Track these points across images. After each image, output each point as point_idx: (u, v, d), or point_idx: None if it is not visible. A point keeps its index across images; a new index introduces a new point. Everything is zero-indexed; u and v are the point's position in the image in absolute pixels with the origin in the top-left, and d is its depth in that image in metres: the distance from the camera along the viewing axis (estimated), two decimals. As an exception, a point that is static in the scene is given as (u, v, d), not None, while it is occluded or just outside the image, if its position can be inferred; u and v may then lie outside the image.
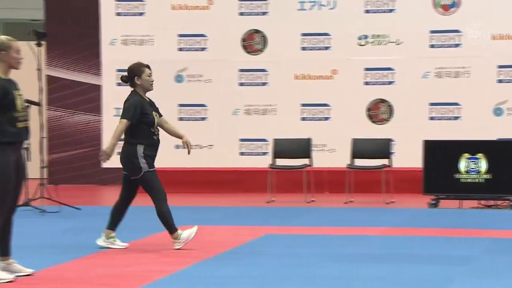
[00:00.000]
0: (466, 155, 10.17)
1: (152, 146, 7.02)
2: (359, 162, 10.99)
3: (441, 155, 10.33)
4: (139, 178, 6.97)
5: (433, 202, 10.14)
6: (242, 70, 12.47)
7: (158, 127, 7.12)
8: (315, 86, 12.31)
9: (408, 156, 11.52)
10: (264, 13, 12.43)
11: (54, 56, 12.98)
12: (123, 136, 7.02)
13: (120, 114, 7.05)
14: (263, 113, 12.47)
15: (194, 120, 12.58)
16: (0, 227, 5.74)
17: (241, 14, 12.47)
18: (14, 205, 5.86)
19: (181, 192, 11.72)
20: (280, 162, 11.13)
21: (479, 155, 10.10)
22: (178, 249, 7.00)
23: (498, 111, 11.90)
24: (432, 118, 12.06)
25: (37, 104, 9.76)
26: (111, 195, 12.15)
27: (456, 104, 12.02)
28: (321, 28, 12.25)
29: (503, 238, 7.70)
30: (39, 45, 9.90)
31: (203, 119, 12.59)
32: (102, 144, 12.74)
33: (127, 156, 6.96)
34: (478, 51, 11.85)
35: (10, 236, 5.89)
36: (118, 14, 12.68)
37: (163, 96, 12.62)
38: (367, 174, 11.13)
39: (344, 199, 10.73)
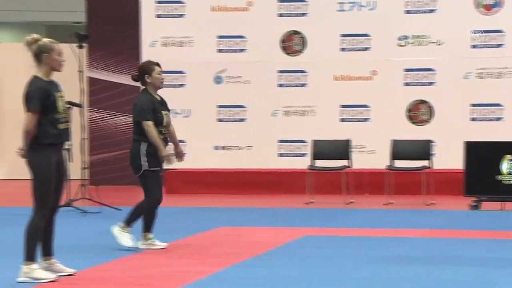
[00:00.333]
0: (508, 156, 10.03)
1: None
2: (399, 164, 10.91)
3: (482, 156, 10.21)
4: (139, 176, 6.97)
5: (474, 204, 10.02)
6: (281, 71, 12.47)
7: (167, 126, 7.10)
8: (355, 87, 12.26)
9: (448, 158, 11.40)
10: (303, 14, 12.41)
11: (95, 58, 13.12)
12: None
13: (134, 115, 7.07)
14: (302, 114, 12.45)
15: (233, 121, 12.61)
16: (42, 227, 5.81)
17: (280, 15, 12.47)
18: (56, 205, 5.93)
19: (220, 193, 11.76)
20: (319, 163, 11.10)
21: (522, 157, 9.96)
22: (112, 233, 6.95)
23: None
24: (473, 119, 11.92)
25: (79, 105, 9.87)
26: (151, 195, 12.24)
27: (498, 105, 11.86)
28: (360, 29, 12.18)
29: (546, 241, 7.59)
30: (80, 47, 10.01)
31: (242, 120, 12.61)
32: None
33: (132, 153, 7.02)
34: (521, 52, 11.70)
35: (52, 236, 5.96)
36: (158, 16, 12.77)
37: (202, 98, 12.73)
38: (407, 176, 11.05)
39: (383, 201, 10.66)
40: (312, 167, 11.00)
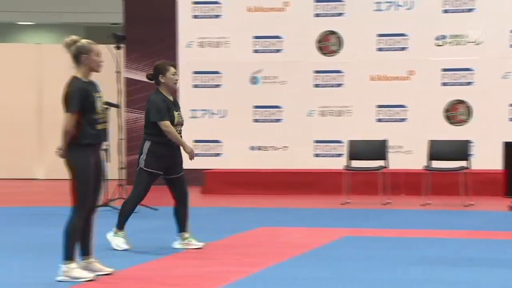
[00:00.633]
0: (548, 157, 9.89)
1: (163, 145, 7.00)
2: (437, 164, 10.82)
3: (522, 157, 10.08)
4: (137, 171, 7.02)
5: (514, 205, 9.90)
6: (317, 72, 12.44)
7: (179, 126, 7.09)
8: (391, 87, 12.19)
9: (487, 158, 11.29)
10: (340, 14, 12.37)
11: (132, 59, 13.21)
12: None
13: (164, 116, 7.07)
14: (338, 114, 12.41)
15: (269, 122, 12.61)
16: (81, 227, 5.86)
17: (317, 15, 12.44)
18: (94, 205, 5.97)
19: (256, 194, 11.77)
20: (355, 163, 11.05)
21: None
22: (108, 240, 7.02)
23: None
24: (512, 119, 11.79)
25: (116, 106, 9.94)
26: (190, 196, 12.28)
27: (537, 104, 11.72)
28: (397, 29, 12.11)
29: None
30: (118, 48, 10.08)
31: (278, 120, 12.61)
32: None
33: (140, 149, 7.05)
34: (562, 50, 11.53)
35: (91, 236, 6.00)
36: (195, 16, 12.82)
37: (239, 98, 12.76)
38: (445, 176, 10.95)
39: (420, 201, 10.58)
40: (348, 168, 10.96)
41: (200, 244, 7.17)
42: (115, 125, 10.02)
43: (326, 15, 12.41)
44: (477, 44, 11.91)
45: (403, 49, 12.17)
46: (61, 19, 19.00)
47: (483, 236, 8.02)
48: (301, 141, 12.43)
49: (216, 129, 12.77)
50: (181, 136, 7.09)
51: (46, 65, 14.29)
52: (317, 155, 12.46)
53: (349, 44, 12.31)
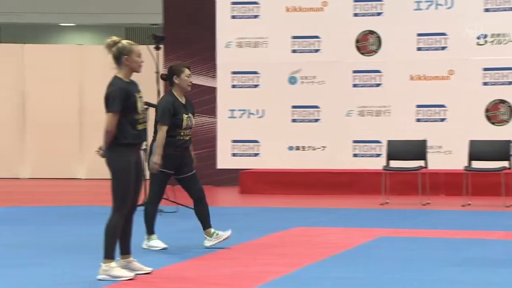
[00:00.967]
0: None
1: (172, 146, 7.01)
2: (477, 164, 10.71)
3: None
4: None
5: (556, 206, 9.76)
6: (356, 71, 12.40)
7: (188, 129, 7.08)
8: (431, 86, 12.09)
9: (529, 159, 11.13)
10: (379, 14, 12.31)
11: (171, 59, 13.29)
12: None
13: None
14: (377, 114, 12.35)
15: (308, 122, 12.61)
16: (121, 226, 5.91)
17: (356, 15, 12.40)
18: (134, 205, 6.02)
19: (294, 194, 11.77)
20: (394, 164, 10.99)
21: None
22: (145, 248, 7.05)
23: None
24: (555, 119, 11.63)
25: (155, 106, 10.00)
26: (227, 195, 12.35)
27: None
28: (437, 28, 12.02)
29: None
30: (157, 48, 10.16)
31: (316, 120, 12.60)
32: (217, 145, 12.97)
33: (149, 149, 7.10)
34: None
35: (130, 235, 6.04)
36: (233, 17, 12.87)
37: (277, 98, 12.77)
38: (486, 177, 10.83)
39: (460, 202, 10.48)
40: (387, 168, 10.90)
41: (227, 233, 7.13)
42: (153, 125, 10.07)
43: (365, 14, 12.36)
44: (519, 43, 11.76)
45: (443, 48, 12.07)
46: (102, 20, 19.21)
47: (524, 238, 7.92)
48: (339, 141, 12.40)
49: (254, 129, 12.80)
50: (189, 139, 7.10)
51: (87, 66, 14.45)
52: (355, 155, 12.42)
53: (388, 44, 12.25)
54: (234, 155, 12.85)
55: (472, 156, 10.73)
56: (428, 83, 12.12)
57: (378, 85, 12.35)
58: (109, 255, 5.87)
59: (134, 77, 6.07)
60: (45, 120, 14.59)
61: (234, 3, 12.82)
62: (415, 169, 10.80)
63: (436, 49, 12.11)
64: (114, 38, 6.01)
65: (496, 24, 11.83)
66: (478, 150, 10.74)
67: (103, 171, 6.20)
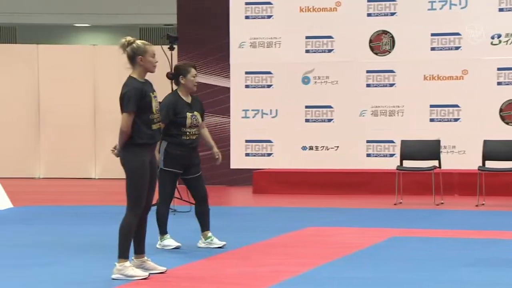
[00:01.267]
0: None
1: (179, 145, 7.03)
2: (491, 164, 10.67)
3: None
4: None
5: None
6: (369, 71, 12.39)
7: (193, 128, 7.09)
8: (445, 86, 12.07)
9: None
10: (392, 14, 12.30)
11: (185, 59, 13.32)
12: None
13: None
14: (391, 114, 12.34)
15: (321, 122, 12.61)
16: (135, 226, 5.94)
17: (369, 15, 12.39)
18: (148, 205, 6.05)
19: (307, 194, 11.77)
20: (408, 163, 10.98)
21: None
22: (160, 247, 7.08)
23: None
24: None
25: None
26: (240, 195, 12.38)
27: None
28: (451, 28, 11.99)
29: None
30: (171, 48, 10.20)
31: (329, 120, 12.60)
32: (231, 145, 12.99)
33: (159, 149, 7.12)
34: None
35: (145, 235, 6.07)
36: (247, 17, 12.89)
37: (290, 98, 12.77)
38: (500, 177, 10.80)
39: (474, 202, 10.46)
40: (400, 168, 10.89)
41: (221, 243, 7.16)
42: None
43: (378, 14, 12.35)
44: (533, 42, 11.72)
45: (457, 48, 12.04)
46: (116, 21, 19.28)
47: (538, 238, 7.89)
48: (353, 141, 12.39)
49: (268, 129, 12.81)
50: (196, 139, 7.11)
51: (101, 66, 14.52)
52: (369, 155, 12.41)
53: (402, 44, 12.23)
54: (247, 155, 12.87)
55: (486, 156, 10.70)
56: (442, 83, 12.09)
57: (391, 85, 12.33)
58: (123, 255, 5.89)
59: (148, 77, 6.10)
60: (59, 120, 14.66)
61: (247, 3, 12.84)
62: (429, 169, 10.78)
63: (450, 49, 12.08)
64: (129, 38, 6.03)
65: (510, 24, 11.78)
66: (492, 150, 10.71)
67: (116, 171, 6.23)
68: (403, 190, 10.82)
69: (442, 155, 10.99)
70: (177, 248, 7.14)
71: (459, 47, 12.03)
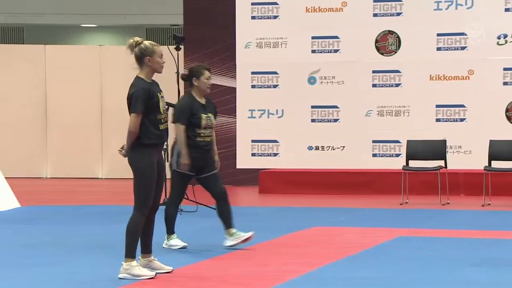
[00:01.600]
0: None
1: (193, 148, 7.05)
2: (497, 164, 10.68)
3: None
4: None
5: None
6: (375, 71, 12.40)
7: (208, 129, 7.12)
8: (451, 86, 12.07)
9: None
10: (398, 14, 12.31)
11: (191, 60, 13.37)
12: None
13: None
14: (396, 114, 12.35)
15: (327, 122, 12.62)
16: (142, 225, 5.96)
17: (375, 15, 12.41)
18: (156, 204, 6.07)
19: (313, 193, 11.79)
20: (414, 163, 10.98)
21: None
22: (167, 247, 7.12)
23: None
24: None
25: (174, 106, 10.06)
26: (246, 195, 12.40)
27: None
28: (457, 28, 11.99)
29: None
30: (178, 49, 10.23)
31: (335, 120, 12.61)
32: (237, 145, 13.02)
33: (171, 151, 7.15)
34: None
35: (152, 234, 6.09)
36: (253, 17, 12.91)
37: (296, 98, 12.80)
38: (506, 177, 10.79)
39: (480, 202, 10.46)
40: (406, 168, 10.90)
41: (249, 233, 7.16)
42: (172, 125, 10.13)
43: (384, 14, 12.36)
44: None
45: (463, 48, 12.04)
46: (122, 21, 19.32)
47: (544, 238, 7.89)
48: (358, 141, 12.40)
49: (274, 129, 12.83)
50: (210, 141, 7.13)
51: (108, 67, 14.56)
52: (375, 155, 12.42)
53: (408, 44, 12.24)
54: (253, 155, 12.89)
55: (492, 156, 10.70)
56: (448, 83, 12.10)
57: (397, 85, 12.34)
58: (130, 254, 5.91)
59: (155, 77, 6.12)
60: (66, 120, 14.71)
61: (253, 3, 12.86)
62: (435, 169, 10.79)
63: (456, 49, 12.08)
64: (137, 38, 6.05)
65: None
66: (498, 150, 10.71)
67: (123, 171, 6.26)
68: (409, 190, 10.83)
69: (448, 155, 10.99)
70: (183, 248, 7.17)
71: (465, 47, 12.03)
